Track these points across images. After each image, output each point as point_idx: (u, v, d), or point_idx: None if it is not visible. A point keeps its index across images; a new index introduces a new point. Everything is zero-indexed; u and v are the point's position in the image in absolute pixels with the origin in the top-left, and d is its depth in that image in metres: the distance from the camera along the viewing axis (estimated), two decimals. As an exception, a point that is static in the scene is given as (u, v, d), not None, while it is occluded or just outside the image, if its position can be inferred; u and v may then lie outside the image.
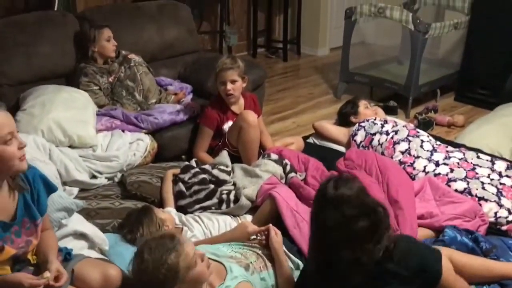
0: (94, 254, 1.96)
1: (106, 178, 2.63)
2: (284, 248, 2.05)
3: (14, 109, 2.64)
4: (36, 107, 2.61)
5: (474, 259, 1.95)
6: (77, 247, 1.92)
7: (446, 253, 1.84)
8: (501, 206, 2.45)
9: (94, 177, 2.59)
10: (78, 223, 2.03)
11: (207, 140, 2.94)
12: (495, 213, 2.44)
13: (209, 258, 1.82)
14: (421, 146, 2.87)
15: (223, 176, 2.58)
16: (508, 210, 2.44)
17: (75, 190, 2.49)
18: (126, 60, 3.10)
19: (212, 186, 2.52)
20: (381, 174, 2.61)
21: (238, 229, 2.15)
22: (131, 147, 2.76)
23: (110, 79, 3.05)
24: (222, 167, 2.63)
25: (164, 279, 1.57)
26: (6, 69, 2.84)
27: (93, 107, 2.85)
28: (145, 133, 2.89)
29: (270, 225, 2.08)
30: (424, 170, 2.74)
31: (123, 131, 2.83)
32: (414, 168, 2.78)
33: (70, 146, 2.61)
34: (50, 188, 1.66)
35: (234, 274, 1.79)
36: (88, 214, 2.23)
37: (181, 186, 2.50)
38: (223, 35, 5.36)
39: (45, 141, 2.49)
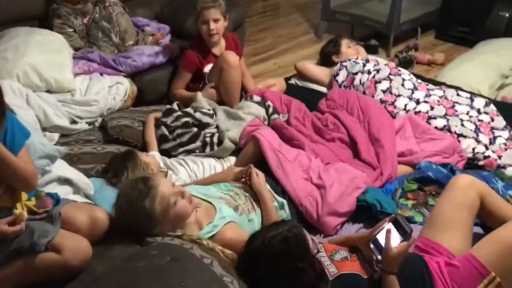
0: (79, 199, 1.96)
1: (86, 123, 2.59)
2: (269, 188, 2.09)
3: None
4: (9, 50, 2.51)
5: (504, 204, 1.80)
6: (62, 192, 1.91)
7: (479, 189, 1.74)
8: (478, 142, 2.52)
9: (74, 122, 2.55)
10: (62, 168, 2.02)
11: (184, 82, 2.91)
12: (473, 149, 2.51)
13: (199, 198, 1.86)
14: (402, 85, 2.88)
15: (206, 119, 2.57)
16: (485, 146, 2.51)
17: (56, 136, 2.45)
18: (100, 1, 2.99)
19: (195, 129, 2.51)
20: (363, 114, 2.64)
21: (225, 171, 2.20)
22: (111, 91, 2.72)
23: (85, 21, 2.94)
24: (204, 110, 2.62)
25: (142, 224, 1.64)
26: (-27, 10, 2.72)
27: (69, 50, 2.76)
28: (124, 76, 2.83)
29: (251, 165, 2.10)
30: (404, 109, 2.77)
31: (101, 74, 2.77)
32: (395, 107, 2.81)
33: (48, 91, 2.55)
34: (24, 133, 1.61)
35: (223, 214, 1.83)
36: (70, 160, 2.22)
37: (164, 130, 2.48)
38: (199, -28, 5.16)
39: (22, 86, 2.42)
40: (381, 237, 1.55)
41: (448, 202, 1.74)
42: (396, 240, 1.51)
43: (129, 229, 1.66)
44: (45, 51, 2.59)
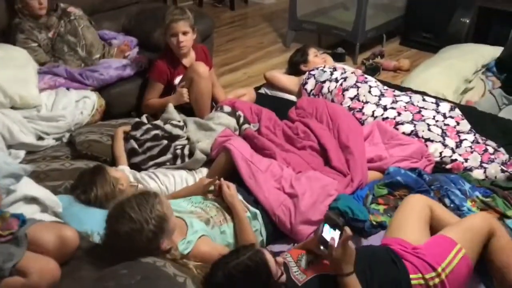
0: (47, 217, 1.90)
1: (53, 139, 2.54)
2: (241, 198, 2.09)
3: None
4: (-30, 67, 2.45)
5: (448, 213, 2.00)
6: (29, 212, 1.85)
7: (428, 202, 1.96)
8: (445, 146, 2.58)
9: (40, 138, 2.49)
10: (28, 187, 1.95)
11: (157, 93, 2.89)
12: (440, 153, 2.56)
13: None
14: (369, 92, 2.92)
15: (176, 131, 2.55)
16: (452, 149, 2.57)
17: (22, 153, 2.40)
18: (65, 14, 2.94)
19: (165, 141, 2.49)
20: (332, 121, 2.67)
21: (197, 183, 2.18)
22: (78, 106, 2.67)
23: (50, 35, 2.89)
24: (174, 122, 2.60)
25: (157, 231, 1.59)
26: None
27: (33, 65, 2.70)
28: (91, 90, 2.79)
29: (222, 179, 2.09)
30: (372, 115, 2.81)
31: (67, 89, 2.73)
32: (363, 114, 2.84)
33: (13, 108, 2.49)
34: None
35: (195, 228, 1.82)
36: (37, 177, 2.16)
37: (133, 143, 2.45)
38: (166, -17, 5.16)
39: (-16, 104, 2.36)
40: (324, 239, 1.56)
41: (403, 209, 1.95)
42: (336, 238, 1.52)
43: (133, 243, 1.56)
44: (8, 67, 2.52)
